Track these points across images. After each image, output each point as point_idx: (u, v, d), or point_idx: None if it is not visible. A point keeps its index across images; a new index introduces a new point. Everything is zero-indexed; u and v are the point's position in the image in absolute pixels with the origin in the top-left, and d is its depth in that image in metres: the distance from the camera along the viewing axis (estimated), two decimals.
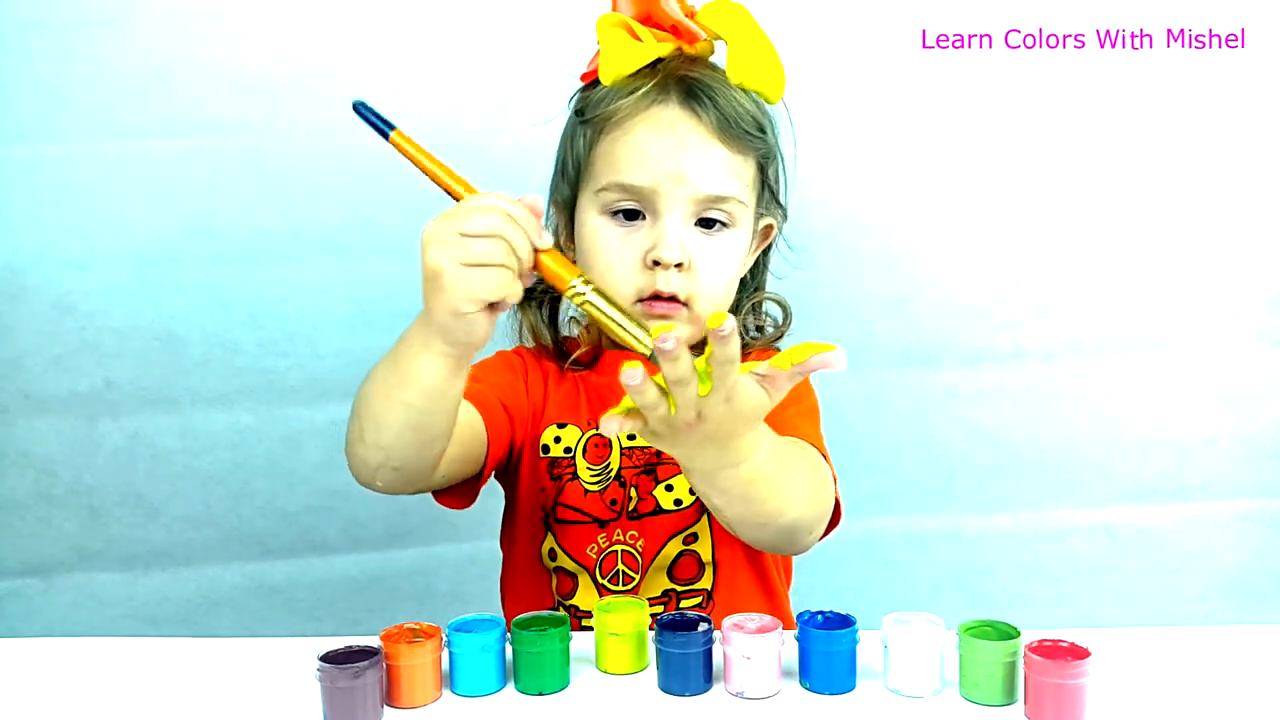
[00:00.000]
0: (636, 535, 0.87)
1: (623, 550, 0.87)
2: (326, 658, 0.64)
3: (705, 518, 0.88)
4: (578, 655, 0.70)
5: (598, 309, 0.63)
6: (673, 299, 0.81)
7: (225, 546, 1.21)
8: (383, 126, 0.70)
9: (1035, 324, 1.21)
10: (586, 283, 0.63)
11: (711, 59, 0.85)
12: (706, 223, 0.82)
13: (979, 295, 1.20)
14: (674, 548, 0.87)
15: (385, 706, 0.66)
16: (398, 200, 1.16)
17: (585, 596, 0.87)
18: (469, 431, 0.82)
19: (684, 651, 0.67)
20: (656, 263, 0.80)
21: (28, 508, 1.19)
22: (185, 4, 1.12)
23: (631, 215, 0.82)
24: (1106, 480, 1.24)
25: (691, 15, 0.83)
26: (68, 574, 1.20)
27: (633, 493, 0.87)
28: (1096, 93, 1.17)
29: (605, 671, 0.70)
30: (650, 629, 0.69)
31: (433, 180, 0.70)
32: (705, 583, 0.88)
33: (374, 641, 0.66)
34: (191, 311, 1.16)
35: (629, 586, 0.87)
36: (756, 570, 0.90)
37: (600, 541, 0.87)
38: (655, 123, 0.81)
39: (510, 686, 0.68)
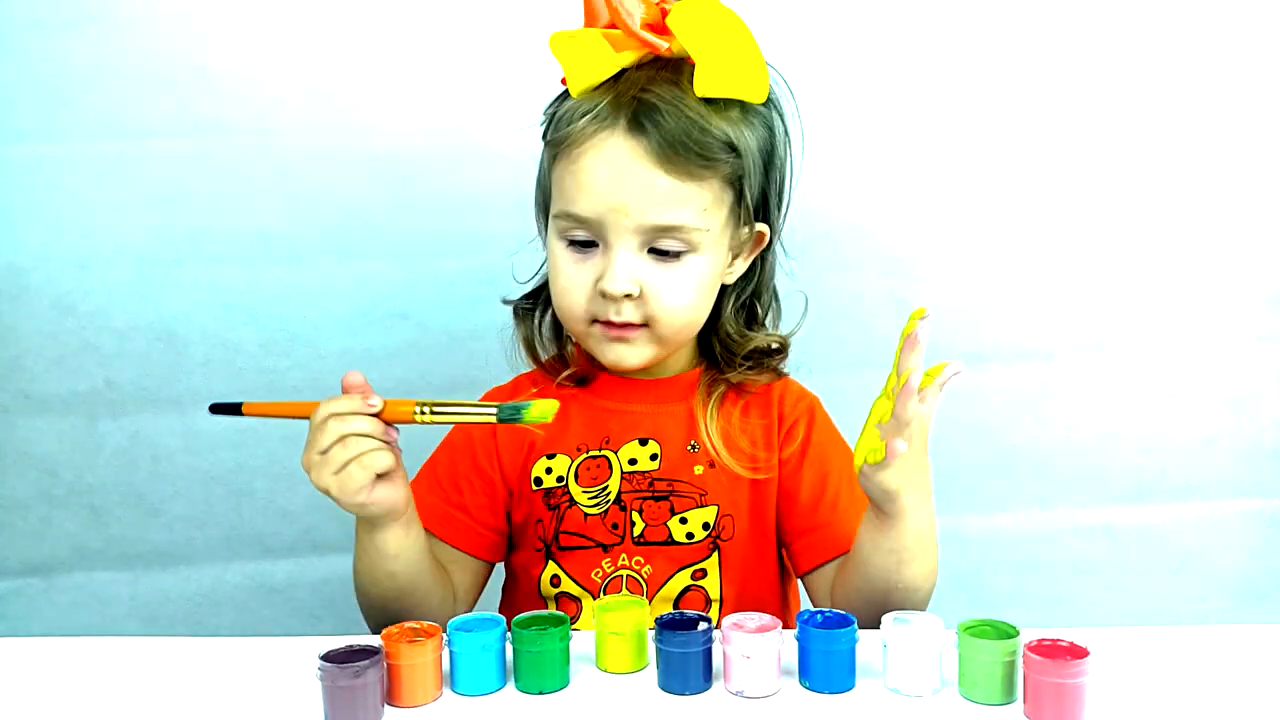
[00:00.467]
0: (642, 561, 0.87)
1: (628, 575, 0.87)
2: (327, 657, 0.64)
3: (716, 555, 0.87)
4: (578, 655, 0.70)
5: (446, 414, 0.73)
6: (625, 326, 0.83)
7: (226, 546, 1.21)
8: (234, 409, 0.79)
9: (1035, 324, 1.21)
10: (421, 408, 0.73)
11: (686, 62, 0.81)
12: (660, 251, 0.81)
13: (979, 295, 1.20)
14: (681, 580, 0.87)
15: (386, 706, 0.66)
16: (398, 200, 1.16)
17: (588, 622, 0.86)
18: (466, 570, 0.90)
19: (684, 651, 0.67)
20: (603, 293, 0.81)
21: (29, 507, 1.19)
22: (186, 4, 1.12)
23: (585, 243, 0.82)
24: (1106, 480, 1.24)
25: (663, 15, 0.81)
26: (68, 573, 1.20)
27: (635, 517, 0.87)
28: (1096, 93, 1.17)
29: (605, 670, 0.70)
30: (650, 629, 0.70)
31: (289, 417, 0.79)
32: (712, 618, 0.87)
33: (375, 641, 0.66)
34: (192, 311, 1.16)
35: None
36: (761, 610, 0.90)
37: (605, 566, 0.87)
38: (599, 151, 0.79)
39: (510, 686, 0.69)
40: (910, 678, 0.66)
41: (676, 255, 0.81)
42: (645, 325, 0.83)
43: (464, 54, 1.14)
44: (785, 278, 0.97)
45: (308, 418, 0.75)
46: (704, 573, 0.87)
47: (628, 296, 0.81)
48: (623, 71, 0.81)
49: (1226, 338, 1.21)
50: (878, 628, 0.68)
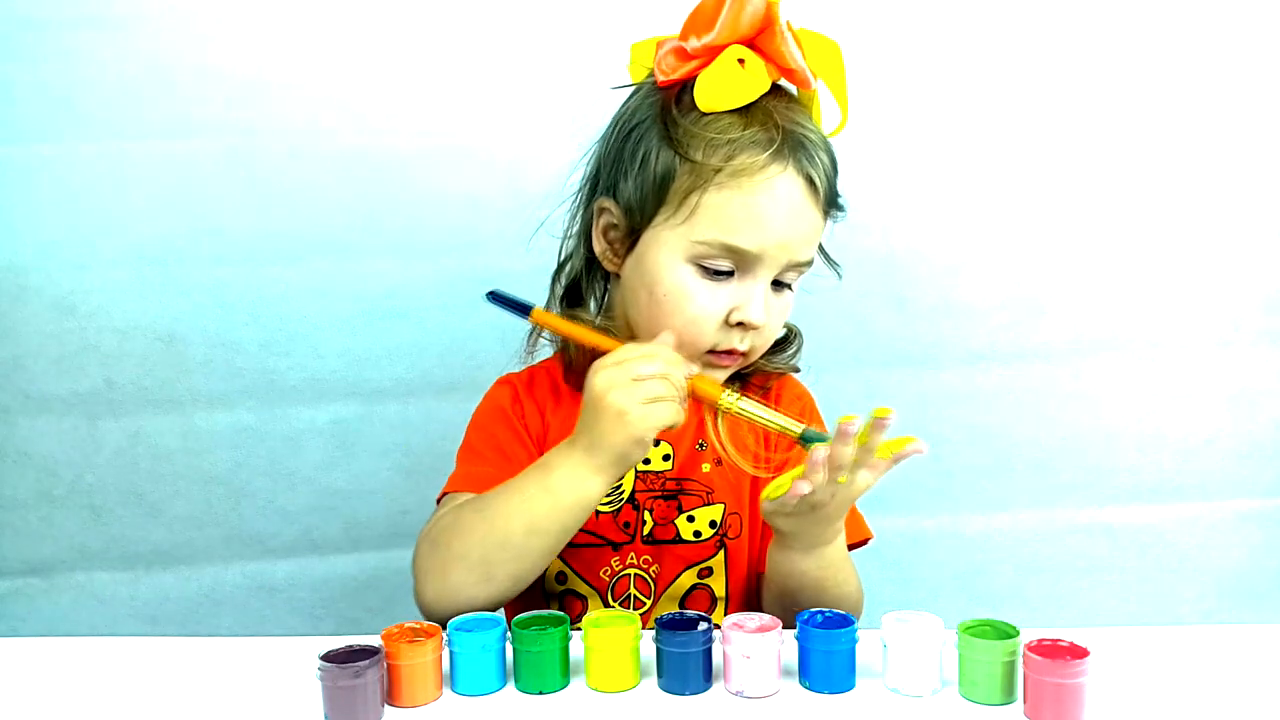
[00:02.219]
0: (650, 560, 0.87)
1: (635, 574, 0.87)
2: (327, 657, 0.64)
3: (722, 553, 0.88)
4: (578, 655, 0.70)
5: (748, 413, 0.74)
6: (735, 353, 0.82)
7: (226, 546, 1.21)
8: (521, 308, 0.79)
9: (1035, 324, 1.21)
10: (733, 394, 0.74)
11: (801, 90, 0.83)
12: (778, 283, 0.82)
13: (979, 295, 1.20)
14: (688, 579, 0.87)
15: (386, 706, 0.66)
16: (398, 200, 1.16)
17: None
18: None
19: (684, 651, 0.67)
20: (741, 323, 0.80)
21: (29, 507, 1.19)
22: (186, 5, 1.12)
23: (723, 272, 0.79)
24: (1106, 480, 1.24)
25: (799, 44, 0.80)
26: (69, 573, 1.20)
27: (647, 516, 0.87)
28: (1095, 94, 1.17)
29: (595, 690, 0.69)
30: (648, 628, 0.69)
31: (581, 343, 0.79)
32: (717, 618, 0.87)
33: (375, 641, 0.66)
34: (192, 311, 1.16)
35: (640, 611, 0.87)
36: (750, 604, 0.91)
37: (614, 564, 0.87)
38: (775, 189, 0.78)
39: (510, 686, 0.69)
40: (910, 678, 0.66)
41: (789, 286, 0.83)
42: (744, 354, 0.83)
43: (464, 55, 1.14)
44: None
45: (604, 349, 0.75)
46: (710, 571, 0.88)
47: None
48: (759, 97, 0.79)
49: (1226, 338, 1.21)
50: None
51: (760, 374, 0.90)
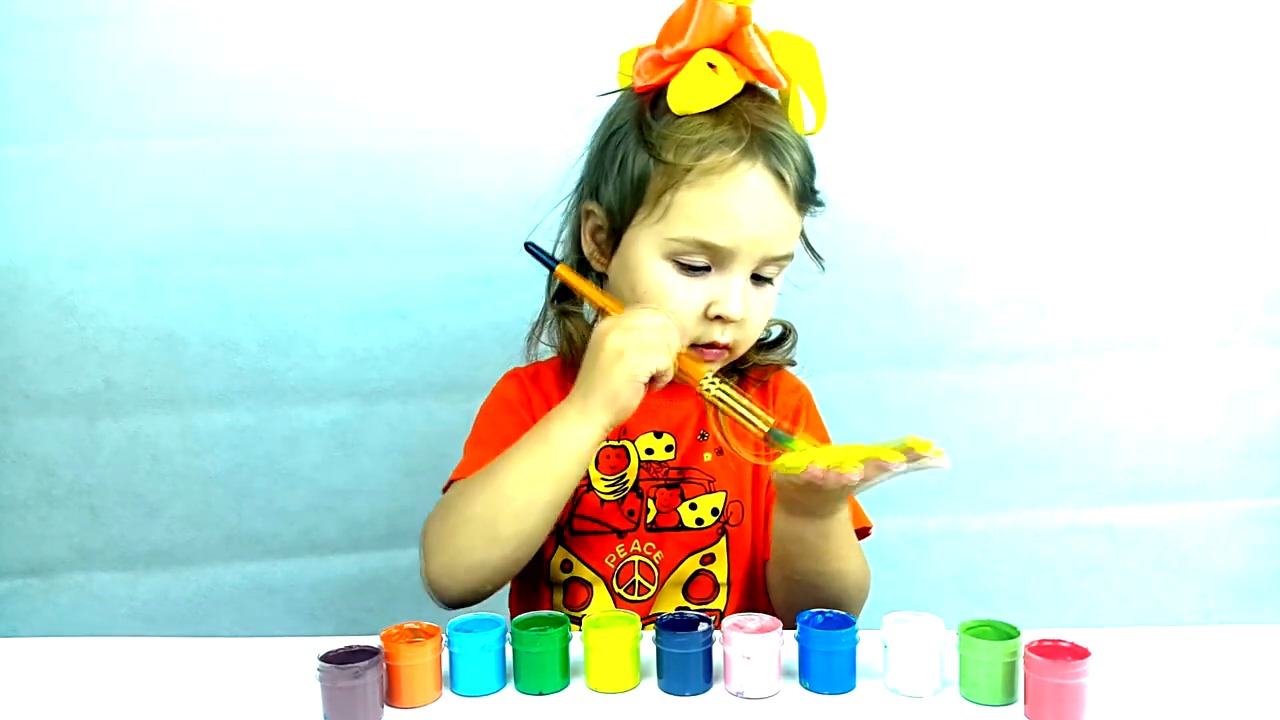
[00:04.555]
0: (654, 547, 0.88)
1: (640, 561, 0.88)
2: (327, 658, 0.64)
3: (724, 539, 0.88)
4: (578, 655, 0.70)
5: (722, 401, 0.77)
6: (718, 346, 0.84)
7: (225, 546, 1.21)
8: (549, 261, 0.85)
9: (1035, 324, 1.21)
10: (713, 380, 0.77)
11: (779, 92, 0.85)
12: (758, 277, 0.84)
13: (979, 295, 1.20)
14: (691, 565, 0.88)
15: (385, 706, 0.66)
16: (398, 200, 1.16)
17: (600, 606, 0.87)
18: None
19: (684, 651, 0.67)
20: (719, 317, 0.82)
21: (28, 507, 1.19)
22: (186, 4, 1.12)
23: (699, 268, 0.82)
24: (1106, 480, 1.24)
25: (768, 46, 0.82)
26: (68, 574, 1.20)
27: (650, 504, 0.88)
28: (1095, 94, 1.17)
29: (595, 690, 0.69)
30: (647, 628, 0.69)
31: (592, 302, 0.84)
32: (719, 603, 0.88)
33: (374, 641, 0.66)
34: (192, 311, 1.16)
35: (644, 597, 0.87)
36: (750, 590, 0.91)
37: (619, 551, 0.88)
38: (744, 186, 0.80)
39: (510, 686, 0.69)
40: (910, 678, 0.66)
41: (770, 280, 0.85)
42: (726, 349, 0.84)
43: (464, 54, 1.14)
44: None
45: (614, 310, 0.80)
46: (712, 557, 0.89)
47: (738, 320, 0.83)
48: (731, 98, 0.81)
49: (1226, 338, 1.21)
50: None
51: (756, 368, 0.93)
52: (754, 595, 0.91)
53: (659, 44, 0.83)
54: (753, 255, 0.81)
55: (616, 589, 0.88)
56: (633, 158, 0.83)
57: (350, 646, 0.65)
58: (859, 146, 1.17)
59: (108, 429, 1.18)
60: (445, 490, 0.87)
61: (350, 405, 1.19)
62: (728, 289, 0.81)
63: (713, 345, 0.83)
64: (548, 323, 0.93)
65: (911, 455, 0.69)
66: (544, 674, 0.68)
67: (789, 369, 0.96)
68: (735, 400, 0.77)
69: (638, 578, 0.88)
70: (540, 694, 0.68)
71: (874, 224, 1.18)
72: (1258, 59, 1.17)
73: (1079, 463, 1.23)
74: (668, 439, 0.89)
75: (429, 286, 1.17)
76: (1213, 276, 1.20)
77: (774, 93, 0.85)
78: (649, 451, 0.89)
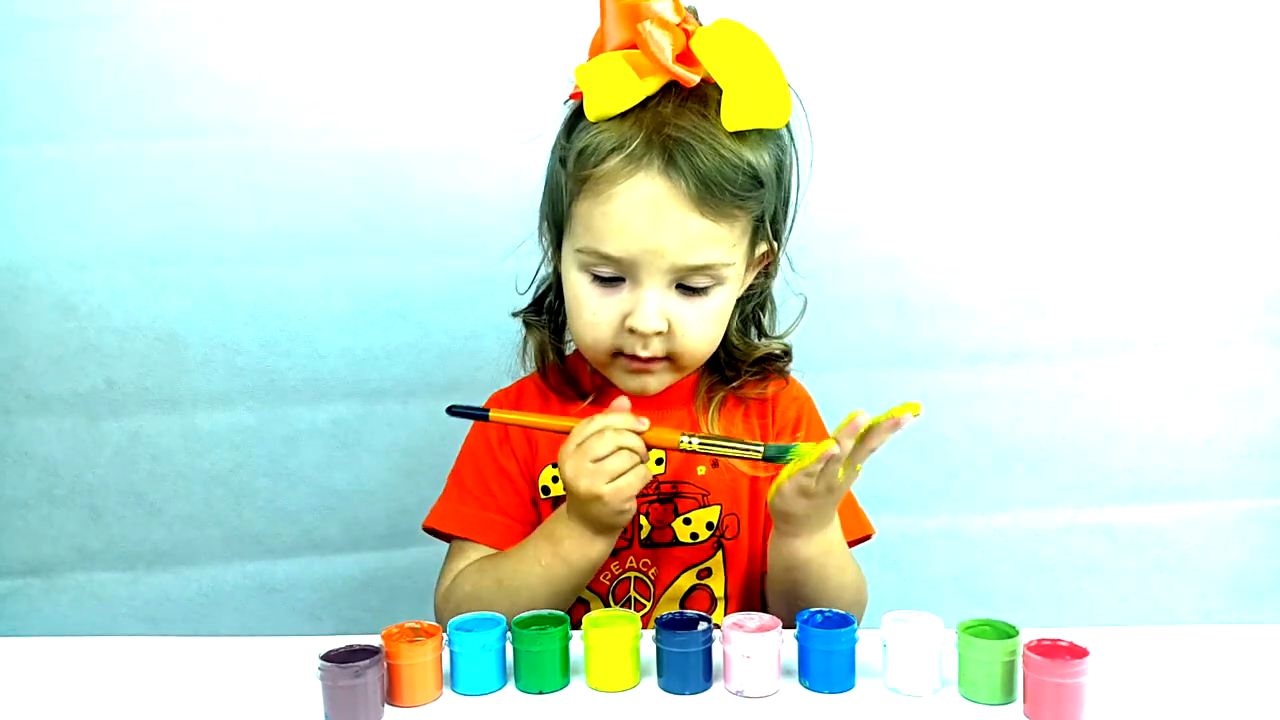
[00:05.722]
0: (649, 563, 0.88)
1: (635, 578, 0.88)
2: (328, 657, 0.64)
3: (720, 554, 0.88)
4: (578, 655, 0.70)
5: (707, 447, 0.77)
6: (650, 359, 0.82)
7: (226, 546, 1.21)
8: (480, 414, 0.83)
9: (1035, 324, 1.21)
10: (690, 436, 0.78)
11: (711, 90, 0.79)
12: (687, 288, 0.80)
13: (979, 295, 1.20)
14: (687, 581, 0.88)
15: (386, 705, 0.66)
16: (398, 200, 1.16)
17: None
18: None
19: (684, 651, 0.67)
20: (633, 329, 0.80)
21: (29, 507, 1.19)
22: (186, 4, 1.12)
23: (611, 279, 0.80)
24: (1106, 480, 1.24)
25: (688, 38, 0.78)
26: (69, 573, 1.21)
27: (643, 520, 0.87)
28: (1095, 93, 1.17)
29: (596, 690, 0.69)
30: (647, 628, 0.70)
31: (541, 430, 0.85)
32: (717, 618, 0.87)
33: (375, 641, 0.66)
34: (193, 311, 1.16)
35: (640, 614, 0.86)
36: (748, 602, 0.91)
37: (613, 569, 0.88)
38: (633, 193, 0.77)
39: (510, 686, 0.69)
40: (910, 678, 0.66)
41: (704, 290, 0.81)
42: (668, 358, 0.83)
43: (463, 55, 1.14)
44: (782, 278, 0.96)
45: (563, 431, 0.79)
46: (709, 572, 0.88)
47: (656, 334, 0.80)
48: (646, 99, 0.78)
49: (1226, 338, 1.21)
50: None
51: (750, 383, 0.91)
52: (751, 607, 0.90)
53: (590, 53, 0.82)
54: (657, 266, 0.78)
55: (612, 605, 0.88)
56: (552, 171, 0.85)
57: (351, 646, 0.66)
58: (859, 147, 1.17)
59: (109, 429, 1.18)
60: (425, 528, 0.90)
61: (351, 405, 1.19)
62: (639, 301, 0.79)
63: (636, 357, 0.82)
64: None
65: (892, 423, 0.70)
66: (544, 673, 0.68)
67: (794, 377, 0.94)
68: (719, 443, 0.77)
69: (633, 594, 0.87)
70: (540, 693, 0.68)
71: (874, 224, 1.18)
72: (1258, 59, 1.17)
73: (1079, 463, 1.23)
74: (657, 452, 0.87)
75: (429, 286, 1.17)
76: (1213, 276, 1.20)
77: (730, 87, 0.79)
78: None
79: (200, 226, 1.15)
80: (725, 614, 0.87)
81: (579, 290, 0.82)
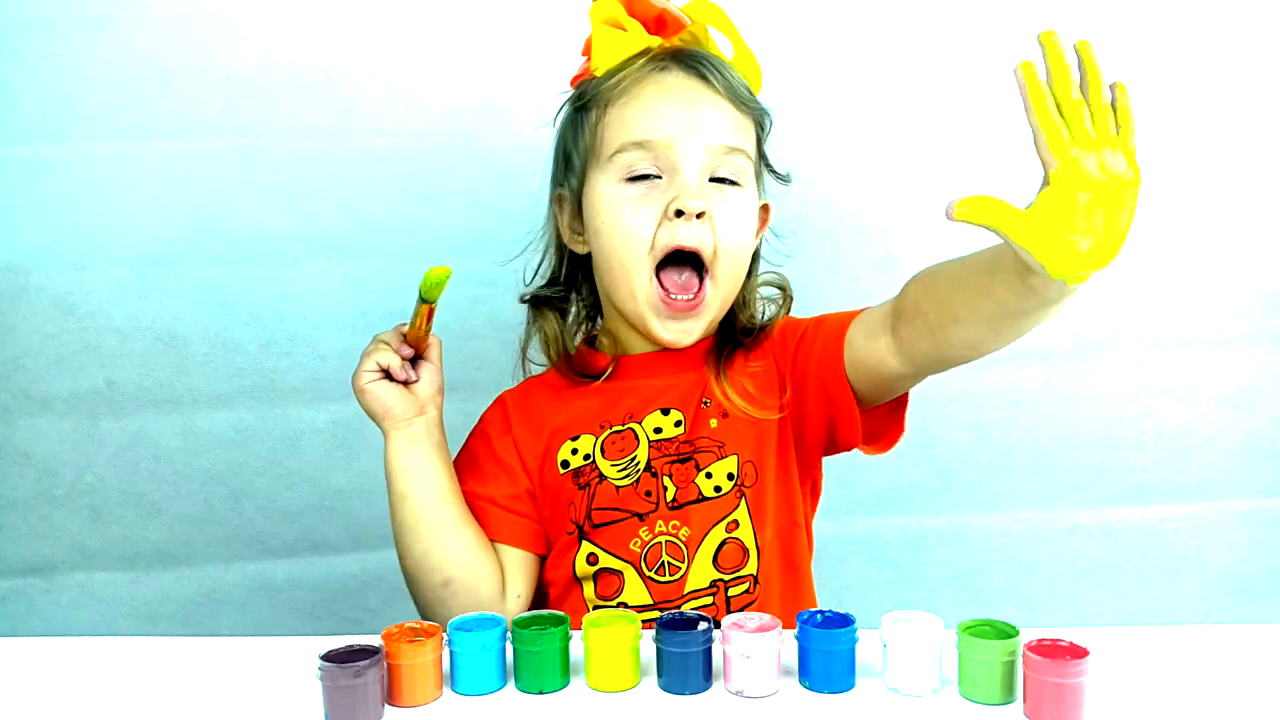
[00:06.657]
0: (679, 524, 0.86)
1: (667, 541, 0.86)
2: (327, 657, 0.64)
3: (743, 502, 0.87)
4: (578, 655, 0.70)
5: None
6: (695, 255, 0.85)
7: (226, 546, 1.21)
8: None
9: None
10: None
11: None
12: (719, 180, 0.86)
13: None
14: (717, 535, 0.86)
15: (386, 705, 0.66)
16: (398, 200, 1.16)
17: (633, 592, 0.86)
18: (516, 567, 0.90)
19: (684, 650, 0.67)
20: (679, 213, 0.83)
21: (29, 507, 1.19)
22: (186, 4, 1.12)
23: (647, 176, 0.85)
24: (1106, 480, 1.24)
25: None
26: (69, 573, 1.21)
27: (667, 482, 0.87)
28: None
29: (596, 690, 0.69)
30: (648, 628, 0.69)
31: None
32: (750, 568, 0.86)
33: (375, 640, 0.66)
34: (193, 311, 1.17)
35: (675, 577, 0.86)
36: (785, 553, 0.89)
37: (643, 535, 0.86)
38: (663, 85, 0.86)
39: (511, 686, 0.69)
40: (910, 678, 0.66)
41: (734, 184, 0.86)
42: (707, 272, 0.86)
43: (464, 55, 1.15)
44: (780, 265, 0.97)
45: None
46: (736, 524, 0.87)
47: (699, 216, 0.83)
48: (645, 50, 0.88)
49: (1226, 338, 1.21)
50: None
51: (757, 332, 0.93)
52: (786, 557, 0.89)
53: (584, 52, 0.90)
54: (695, 145, 0.84)
55: (647, 572, 0.86)
56: (572, 124, 0.90)
57: (351, 646, 0.66)
58: (858, 146, 1.17)
59: (109, 429, 1.18)
60: None
61: (351, 405, 1.17)
62: (683, 185, 0.84)
63: (672, 303, 0.86)
64: (531, 336, 0.95)
65: None
66: (544, 673, 0.68)
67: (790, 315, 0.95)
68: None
69: (666, 558, 0.86)
70: (540, 693, 0.68)
71: (874, 224, 1.18)
72: (1258, 59, 1.17)
73: (1079, 463, 1.23)
74: (676, 414, 0.89)
75: None
76: (1211, 276, 1.20)
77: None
78: (658, 430, 0.88)
79: (200, 226, 1.15)
80: (759, 565, 0.86)
81: (617, 199, 0.86)
